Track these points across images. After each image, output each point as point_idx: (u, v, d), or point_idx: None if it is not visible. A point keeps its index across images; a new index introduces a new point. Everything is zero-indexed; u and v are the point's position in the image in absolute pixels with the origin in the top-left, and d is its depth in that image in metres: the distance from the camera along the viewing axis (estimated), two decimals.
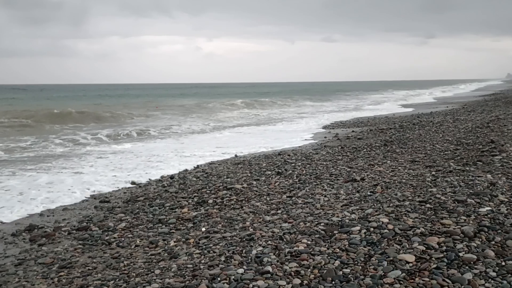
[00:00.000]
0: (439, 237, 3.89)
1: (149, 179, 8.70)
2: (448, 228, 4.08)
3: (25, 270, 4.48)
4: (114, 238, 5.26)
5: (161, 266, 4.10)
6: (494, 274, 3.24)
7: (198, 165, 9.85)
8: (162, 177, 8.84)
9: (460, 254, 3.54)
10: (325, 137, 13.63)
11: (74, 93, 67.68)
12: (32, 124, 20.45)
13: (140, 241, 5.04)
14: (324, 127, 17.26)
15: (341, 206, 5.31)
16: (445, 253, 3.59)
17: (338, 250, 3.84)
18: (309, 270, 3.51)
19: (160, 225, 5.62)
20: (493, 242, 3.77)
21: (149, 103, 37.78)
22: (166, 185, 7.95)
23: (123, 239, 5.20)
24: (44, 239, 5.47)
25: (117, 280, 3.90)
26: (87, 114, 24.16)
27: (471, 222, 4.22)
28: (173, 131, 18.19)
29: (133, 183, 8.46)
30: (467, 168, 6.85)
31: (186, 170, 9.40)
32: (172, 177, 8.66)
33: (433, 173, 6.73)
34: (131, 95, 61.08)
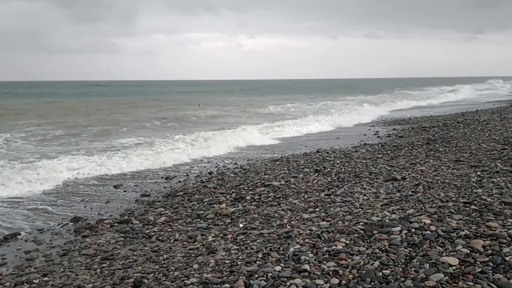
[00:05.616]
0: (484, 240, 3.74)
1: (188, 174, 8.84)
2: (494, 231, 3.92)
3: (69, 260, 4.65)
4: (154, 231, 5.37)
5: (199, 260, 4.15)
6: None
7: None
8: (200, 172, 8.95)
9: (507, 259, 3.39)
10: None
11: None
12: None
13: (179, 236, 5.13)
14: None
15: (381, 206, 5.21)
16: (490, 256, 3.45)
17: (377, 250, 3.76)
18: (348, 270, 3.46)
19: (199, 220, 5.69)
20: None
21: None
22: (204, 180, 8.04)
23: (162, 233, 5.30)
24: (87, 231, 5.66)
25: (156, 273, 3.97)
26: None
27: None
28: None
29: None
30: None
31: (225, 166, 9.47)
32: (210, 172, 8.76)
33: (479, 173, 6.49)
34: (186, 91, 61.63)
